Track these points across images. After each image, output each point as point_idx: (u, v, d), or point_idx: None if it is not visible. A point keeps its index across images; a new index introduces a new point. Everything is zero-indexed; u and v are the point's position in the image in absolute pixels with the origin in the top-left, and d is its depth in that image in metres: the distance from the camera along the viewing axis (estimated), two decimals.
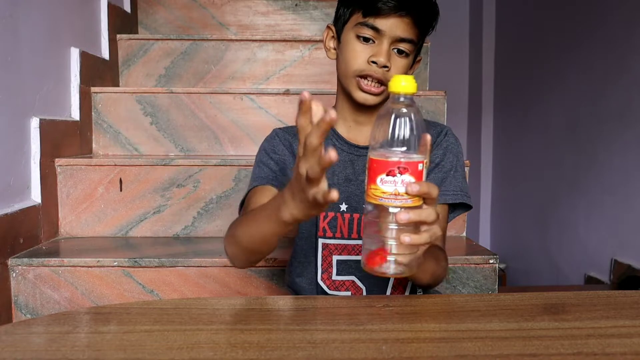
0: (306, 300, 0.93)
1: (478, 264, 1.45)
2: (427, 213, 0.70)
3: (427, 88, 2.20)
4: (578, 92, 2.67)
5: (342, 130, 1.09)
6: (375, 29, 0.98)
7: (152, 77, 2.19)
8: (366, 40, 1.00)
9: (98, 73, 1.96)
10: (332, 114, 0.63)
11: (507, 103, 3.46)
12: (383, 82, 0.99)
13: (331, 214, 1.08)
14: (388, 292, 1.08)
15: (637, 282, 2.16)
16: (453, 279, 1.46)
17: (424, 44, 2.13)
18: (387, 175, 0.68)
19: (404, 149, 0.69)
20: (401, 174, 0.68)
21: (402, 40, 0.99)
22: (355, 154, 1.08)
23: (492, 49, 3.60)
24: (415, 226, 0.70)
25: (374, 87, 1.00)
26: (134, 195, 1.63)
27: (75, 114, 1.79)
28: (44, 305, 1.39)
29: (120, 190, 1.63)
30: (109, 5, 2.11)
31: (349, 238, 1.07)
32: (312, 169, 0.66)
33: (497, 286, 1.46)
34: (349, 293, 1.08)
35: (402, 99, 0.70)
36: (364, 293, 1.08)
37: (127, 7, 2.35)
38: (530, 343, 0.67)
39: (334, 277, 1.08)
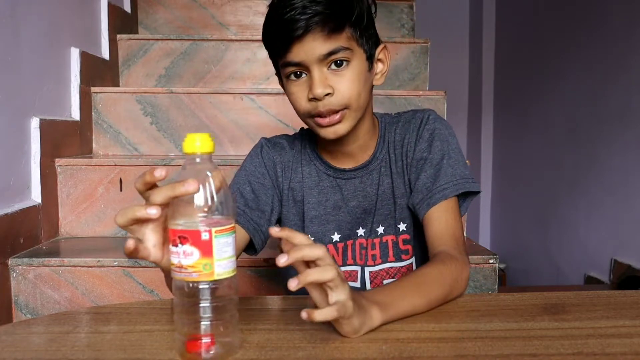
0: (306, 300, 0.92)
1: (478, 264, 1.45)
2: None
3: (427, 88, 2.20)
4: (578, 92, 2.67)
5: (327, 156, 1.02)
6: (296, 64, 0.88)
7: (152, 77, 2.19)
8: (297, 76, 0.90)
9: (98, 73, 1.96)
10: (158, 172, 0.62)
11: (507, 103, 3.46)
12: (337, 110, 0.89)
13: None
14: None
15: (637, 282, 2.16)
16: None
17: (424, 44, 2.18)
18: (172, 245, 0.62)
19: (201, 215, 0.61)
20: (182, 244, 0.61)
21: (329, 54, 0.87)
22: (341, 177, 1.01)
23: (492, 49, 3.60)
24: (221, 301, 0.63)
25: (331, 118, 0.90)
26: (135, 195, 1.62)
27: (76, 114, 1.79)
28: (44, 305, 1.39)
29: (121, 190, 1.63)
30: (109, 5, 2.11)
31: (344, 265, 1.02)
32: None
33: (497, 286, 1.46)
34: None
35: (197, 160, 0.63)
36: None
37: (127, 7, 2.35)
38: (530, 343, 0.67)
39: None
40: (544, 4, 3.04)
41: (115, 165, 1.63)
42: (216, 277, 0.61)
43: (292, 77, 0.90)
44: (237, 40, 2.20)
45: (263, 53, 2.21)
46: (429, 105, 1.91)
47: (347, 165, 1.01)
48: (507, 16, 3.48)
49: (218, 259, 0.61)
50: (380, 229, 1.02)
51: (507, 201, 3.47)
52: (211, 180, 0.62)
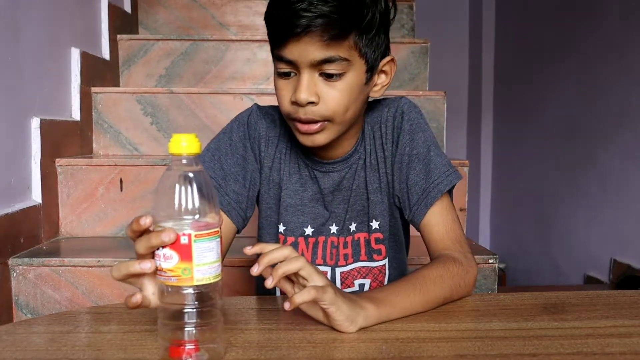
0: None
1: (478, 264, 1.44)
2: None
3: (427, 88, 2.20)
4: (578, 92, 2.67)
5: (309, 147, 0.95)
6: (288, 61, 0.82)
7: (152, 77, 2.19)
8: (286, 75, 0.84)
9: (98, 73, 1.96)
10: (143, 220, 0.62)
11: (507, 103, 3.46)
12: (317, 120, 0.84)
13: (291, 239, 0.97)
14: None
15: (637, 282, 2.16)
16: None
17: (424, 44, 2.18)
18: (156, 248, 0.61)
19: (186, 217, 0.60)
20: (162, 247, 0.60)
21: (323, 62, 0.80)
22: (319, 170, 0.96)
23: (492, 49, 3.60)
24: (209, 306, 0.62)
25: (309, 126, 0.85)
26: (135, 195, 1.63)
27: (76, 114, 1.79)
28: (44, 305, 1.39)
29: (121, 190, 1.63)
30: (110, 6, 2.11)
31: (313, 263, 0.97)
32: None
33: (497, 286, 1.46)
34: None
35: (184, 161, 0.61)
36: None
37: (127, 8, 2.36)
38: (530, 343, 0.67)
39: None
40: (543, 4, 3.04)
41: (116, 165, 1.63)
42: (195, 283, 0.60)
43: (282, 74, 0.85)
44: (237, 40, 2.20)
45: (263, 53, 2.22)
46: (428, 105, 1.92)
47: (328, 158, 0.96)
48: (507, 16, 3.48)
49: (198, 264, 0.60)
50: (353, 226, 0.97)
51: (507, 201, 3.47)
52: (196, 182, 0.61)
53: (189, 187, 0.60)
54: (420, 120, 0.94)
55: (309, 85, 0.82)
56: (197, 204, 0.60)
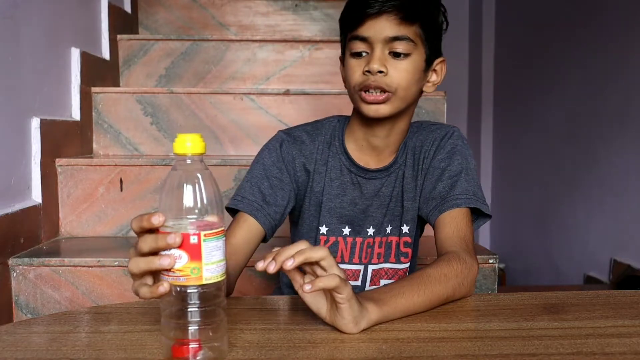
0: None
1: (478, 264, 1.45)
2: None
3: None
4: (578, 92, 2.67)
5: (353, 152, 1.04)
6: (362, 39, 0.94)
7: (152, 77, 2.19)
8: (359, 54, 0.95)
9: (98, 73, 1.96)
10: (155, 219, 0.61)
11: (507, 103, 3.46)
12: (385, 89, 0.94)
13: (332, 239, 1.05)
14: None
15: (637, 282, 2.16)
16: None
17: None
18: None
19: (191, 216, 0.61)
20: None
21: (393, 39, 0.92)
22: (363, 176, 1.04)
23: (492, 49, 3.60)
24: (211, 305, 0.62)
25: (377, 95, 0.94)
26: (135, 195, 1.64)
27: (76, 114, 1.79)
28: (44, 305, 1.39)
29: (121, 190, 1.63)
30: (110, 6, 2.11)
31: (350, 262, 1.05)
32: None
33: (496, 286, 1.46)
34: None
35: (188, 161, 0.62)
36: None
37: (127, 8, 2.36)
38: (530, 343, 0.67)
39: None
40: (543, 4, 3.04)
41: (116, 165, 1.63)
42: (204, 282, 0.61)
43: (355, 54, 0.95)
44: (237, 40, 2.20)
45: (263, 53, 2.22)
46: (428, 106, 1.91)
47: (370, 165, 1.04)
48: (507, 16, 3.48)
49: (207, 263, 0.61)
50: (388, 229, 1.05)
51: (507, 201, 3.47)
52: (201, 182, 0.61)
53: (192, 187, 0.61)
54: (462, 147, 1.03)
55: (381, 58, 0.93)
56: (199, 203, 0.61)
